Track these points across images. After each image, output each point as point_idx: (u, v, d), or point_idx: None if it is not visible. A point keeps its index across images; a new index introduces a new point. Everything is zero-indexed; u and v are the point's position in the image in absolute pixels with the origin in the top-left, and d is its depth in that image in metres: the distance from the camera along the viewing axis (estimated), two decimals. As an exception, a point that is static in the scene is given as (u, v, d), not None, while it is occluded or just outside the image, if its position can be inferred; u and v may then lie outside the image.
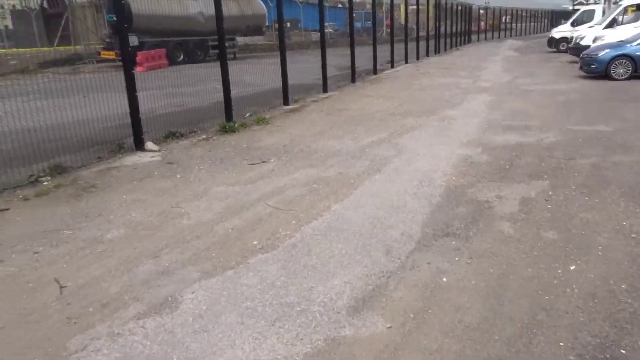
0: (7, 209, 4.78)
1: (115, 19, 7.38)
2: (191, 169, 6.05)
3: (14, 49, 25.81)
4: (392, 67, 19.07)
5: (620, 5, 19.51)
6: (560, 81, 13.76)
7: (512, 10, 57.12)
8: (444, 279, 3.29)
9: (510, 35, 52.60)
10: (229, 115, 8.86)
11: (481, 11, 49.52)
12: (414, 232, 4.03)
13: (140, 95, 6.97)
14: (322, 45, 12.77)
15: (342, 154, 6.62)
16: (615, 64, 13.37)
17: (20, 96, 8.49)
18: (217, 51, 23.57)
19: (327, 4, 29.96)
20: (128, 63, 6.93)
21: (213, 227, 4.28)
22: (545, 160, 6.06)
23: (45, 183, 5.55)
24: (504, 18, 56.19)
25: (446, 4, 29.31)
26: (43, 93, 9.78)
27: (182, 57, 23.09)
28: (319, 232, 4.10)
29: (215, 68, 9.14)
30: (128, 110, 6.90)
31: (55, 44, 25.93)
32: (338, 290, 3.17)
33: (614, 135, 7.15)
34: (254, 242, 3.94)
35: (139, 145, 6.99)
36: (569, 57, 19.68)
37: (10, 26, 35.70)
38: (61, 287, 3.28)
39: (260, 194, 5.12)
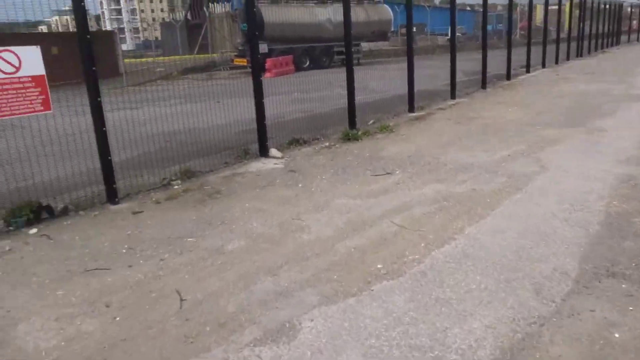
0: (142, 212, 4.96)
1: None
2: (313, 178, 5.88)
3: (161, 57, 28.39)
4: (528, 71, 17.61)
5: None
6: None
7: (671, 7, 50.43)
8: (616, 335, 2.65)
9: (668, 35, 46.43)
10: (352, 122, 8.63)
11: (632, 9, 44.32)
12: (570, 269, 3.39)
13: (266, 100, 6.99)
14: (452, 49, 12.08)
15: (474, 168, 6.02)
16: None
17: (163, 101, 9.07)
18: (342, 57, 23.64)
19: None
20: (257, 70, 6.98)
21: (334, 244, 4.00)
22: None
23: (176, 187, 5.72)
24: (660, 16, 49.84)
25: (592, 3, 26.55)
26: (182, 98, 10.43)
27: (307, 63, 23.60)
28: (451, 259, 3.62)
29: (339, 74, 8.99)
30: (254, 116, 6.97)
31: (195, 52, 28.05)
32: (478, 336, 2.68)
33: None
34: (378, 266, 3.58)
35: (264, 152, 7.01)
36: None
37: (159, 37, 39.55)
38: (181, 300, 3.20)
39: (385, 209, 4.75)
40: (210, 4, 27.75)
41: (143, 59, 29.50)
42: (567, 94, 12.16)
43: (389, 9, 28.62)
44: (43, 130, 5.65)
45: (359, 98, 8.86)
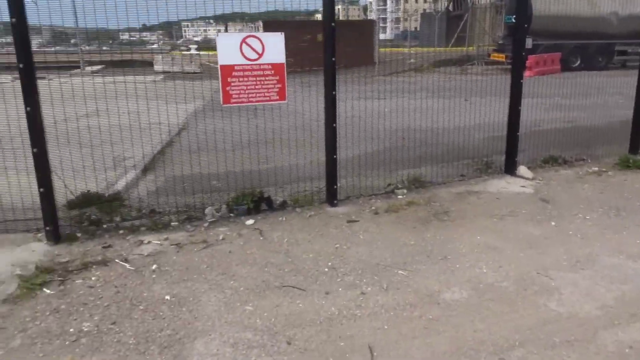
0: (357, 221, 4.44)
1: (514, 20, 6.37)
2: (572, 217, 4.52)
3: (414, 48, 28.32)
4: None
5: None
6: None
7: None
8: None
9: None
10: (635, 144, 6.67)
11: None
12: None
13: (522, 103, 5.77)
14: None
15: None
16: None
17: (408, 93, 8.55)
18: (623, 57, 19.85)
19: None
20: (518, 68, 5.78)
21: (597, 331, 2.79)
22: None
23: (400, 197, 5.06)
24: None
25: None
26: (428, 92, 9.77)
27: (578, 63, 20.41)
28: None
29: (618, 78, 7.12)
30: (505, 121, 5.82)
31: (451, 44, 27.13)
32: None
33: None
34: (673, 395, 2.29)
35: (510, 168, 5.82)
36: None
37: (418, 27, 39.97)
38: (371, 364, 2.52)
39: (684, 288, 3.24)
40: (474, -6, 26.43)
41: (396, 49, 29.93)
42: None
43: None
44: (284, 115, 5.60)
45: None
